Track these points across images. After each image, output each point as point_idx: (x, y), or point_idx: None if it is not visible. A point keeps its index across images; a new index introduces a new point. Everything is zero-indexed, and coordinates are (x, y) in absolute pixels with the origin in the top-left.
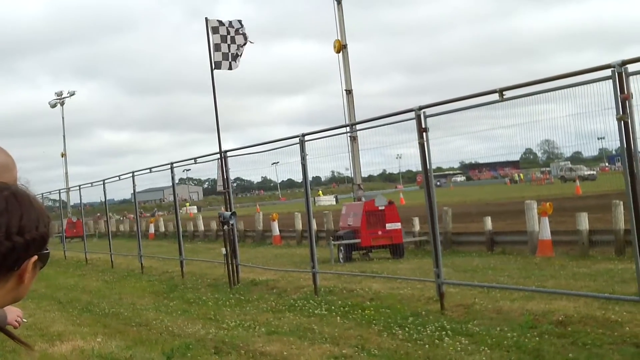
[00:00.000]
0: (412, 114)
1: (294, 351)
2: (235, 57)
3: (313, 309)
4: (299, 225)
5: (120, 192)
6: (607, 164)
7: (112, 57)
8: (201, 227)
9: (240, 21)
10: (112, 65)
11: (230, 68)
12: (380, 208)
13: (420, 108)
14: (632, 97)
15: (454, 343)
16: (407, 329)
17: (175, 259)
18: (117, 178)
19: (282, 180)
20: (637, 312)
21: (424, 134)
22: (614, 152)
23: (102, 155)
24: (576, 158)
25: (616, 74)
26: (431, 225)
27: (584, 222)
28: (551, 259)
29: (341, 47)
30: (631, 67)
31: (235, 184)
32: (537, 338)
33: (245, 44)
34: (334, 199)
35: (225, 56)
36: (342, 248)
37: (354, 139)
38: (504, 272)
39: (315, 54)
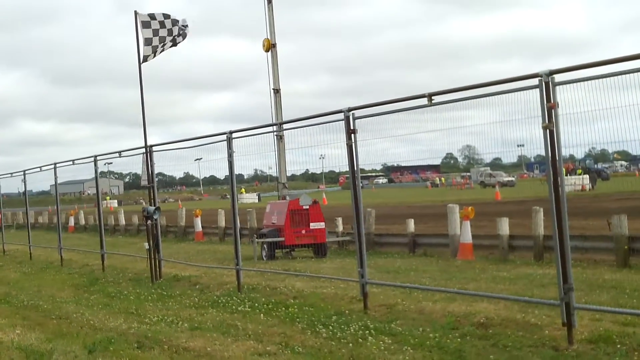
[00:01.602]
0: (341, 115)
1: (217, 347)
2: (160, 47)
3: (236, 306)
4: (222, 222)
5: (39, 184)
6: (525, 171)
7: (38, 46)
8: (122, 221)
9: (184, 20)
10: (37, 55)
11: (154, 56)
12: (304, 207)
13: (350, 109)
14: (557, 106)
15: (377, 342)
16: (330, 328)
17: (95, 252)
18: (39, 169)
19: (205, 177)
20: (556, 316)
21: (352, 135)
22: (532, 159)
23: (23, 146)
24: (496, 164)
25: (543, 83)
26: (357, 226)
27: (504, 227)
28: (472, 262)
29: (270, 46)
30: (558, 77)
31: (157, 179)
32: (458, 339)
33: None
34: (257, 197)
35: (154, 49)
36: (265, 246)
37: (280, 137)
38: (425, 274)
39: (244, 51)
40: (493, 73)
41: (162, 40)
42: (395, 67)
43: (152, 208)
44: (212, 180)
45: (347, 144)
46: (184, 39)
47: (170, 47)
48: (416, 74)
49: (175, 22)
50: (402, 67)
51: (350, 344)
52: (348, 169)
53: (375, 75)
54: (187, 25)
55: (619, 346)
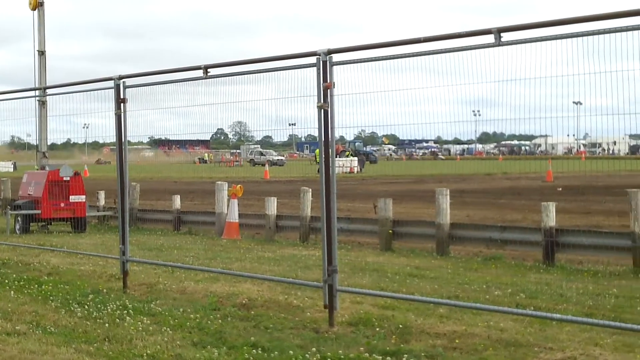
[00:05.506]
0: (110, 83)
1: None
2: None
3: None
4: None
5: None
6: (296, 151)
7: None
8: None
9: None
10: None
11: None
12: (65, 179)
13: (121, 77)
14: (334, 86)
15: (135, 323)
16: (86, 307)
17: None
18: None
19: None
20: (319, 298)
21: (122, 104)
22: (303, 139)
23: None
24: (266, 142)
25: (321, 62)
26: (121, 201)
27: (272, 206)
28: (237, 241)
29: (37, 5)
30: (335, 57)
31: None
32: (220, 320)
33: None
34: (12, 166)
35: None
36: (19, 218)
37: (43, 103)
38: (189, 253)
39: (9, 7)
40: (278, 46)
41: None
42: (180, 35)
43: None
44: None
45: (115, 114)
46: None
47: None
48: (199, 43)
49: None
50: (185, 36)
51: (107, 324)
52: (114, 140)
53: (154, 42)
54: None
55: (377, 329)
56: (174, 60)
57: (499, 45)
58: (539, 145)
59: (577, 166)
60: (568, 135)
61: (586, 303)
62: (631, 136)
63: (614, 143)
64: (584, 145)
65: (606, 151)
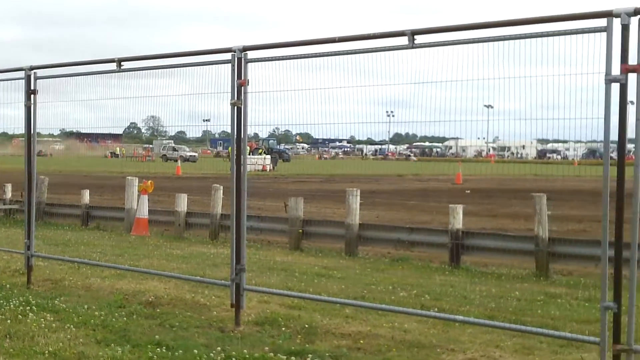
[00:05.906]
0: (21, 74)
1: None
2: None
3: None
4: None
5: None
6: (209, 147)
7: None
8: None
9: None
10: None
11: None
12: None
13: (32, 68)
14: (248, 84)
15: (38, 319)
16: None
17: None
18: None
19: None
20: (226, 297)
21: (33, 96)
22: (217, 135)
23: None
24: (180, 138)
25: (236, 59)
26: (28, 194)
27: (182, 203)
28: (146, 238)
29: None
30: (251, 54)
31: None
32: (125, 318)
33: None
34: None
35: None
36: None
37: None
38: (97, 249)
39: None
40: (194, 40)
41: None
42: (96, 25)
43: None
44: None
45: (25, 105)
46: None
47: None
48: (117, 34)
49: None
50: (105, 26)
51: (9, 321)
52: (23, 132)
53: (72, 32)
54: None
55: (283, 329)
56: (88, 51)
57: (412, 47)
58: (450, 147)
59: (486, 169)
60: (478, 138)
61: (489, 305)
62: (539, 141)
63: (523, 147)
64: (494, 148)
65: (515, 155)
